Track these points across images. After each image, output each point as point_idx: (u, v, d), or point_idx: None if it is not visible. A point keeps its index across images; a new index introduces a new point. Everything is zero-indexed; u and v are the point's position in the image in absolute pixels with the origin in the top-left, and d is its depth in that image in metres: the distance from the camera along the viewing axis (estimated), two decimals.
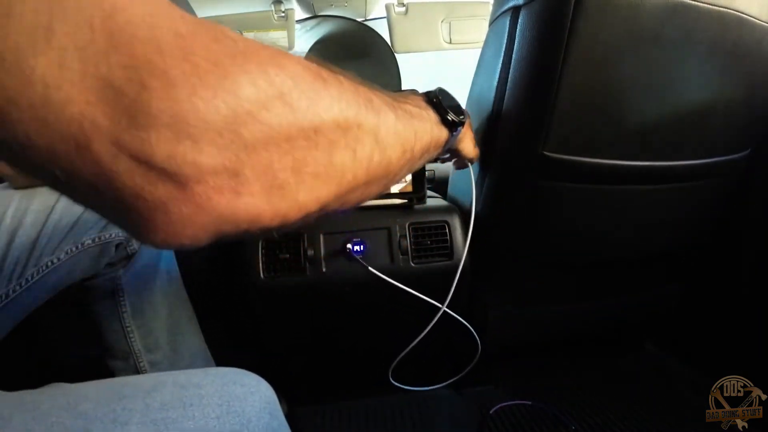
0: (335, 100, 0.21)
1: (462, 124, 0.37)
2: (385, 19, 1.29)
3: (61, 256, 0.47)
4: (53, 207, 0.47)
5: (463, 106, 0.68)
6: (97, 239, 0.50)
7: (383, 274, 0.57)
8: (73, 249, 0.48)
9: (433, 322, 0.60)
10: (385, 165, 0.26)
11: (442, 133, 0.36)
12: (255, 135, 0.17)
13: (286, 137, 0.19)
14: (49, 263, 0.46)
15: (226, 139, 0.16)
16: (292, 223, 0.21)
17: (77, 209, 0.48)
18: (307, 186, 0.20)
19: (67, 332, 0.57)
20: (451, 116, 0.36)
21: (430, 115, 0.35)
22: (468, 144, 0.46)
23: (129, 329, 0.55)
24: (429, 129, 0.33)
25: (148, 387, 0.29)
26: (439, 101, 0.36)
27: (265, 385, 0.33)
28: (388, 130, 0.26)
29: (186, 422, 0.27)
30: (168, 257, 0.61)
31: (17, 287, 0.44)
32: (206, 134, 0.16)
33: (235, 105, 0.16)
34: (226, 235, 0.19)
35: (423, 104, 0.35)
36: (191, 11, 0.58)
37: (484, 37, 0.61)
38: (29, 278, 0.45)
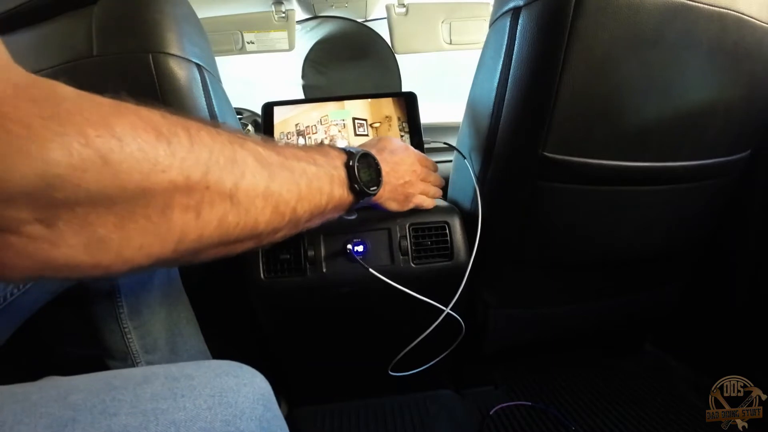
0: (177, 159, 0.21)
1: (371, 194, 0.38)
2: (386, 20, 1.29)
3: None
4: None
5: (463, 106, 0.69)
6: None
7: (384, 274, 0.57)
8: None
9: (437, 323, 0.60)
10: (249, 226, 0.26)
11: (347, 197, 0.36)
12: (68, 195, 0.18)
13: (106, 197, 0.19)
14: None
15: (40, 199, 0.17)
16: (122, 274, 0.22)
17: None
18: (134, 242, 0.21)
19: (66, 332, 0.57)
20: (358, 186, 0.36)
21: (339, 177, 0.35)
22: (393, 204, 0.48)
23: (126, 330, 0.55)
24: (327, 190, 0.33)
25: (139, 379, 0.29)
26: (352, 168, 0.36)
27: (260, 377, 0.32)
28: (253, 191, 0.25)
29: (177, 413, 0.26)
30: None
31: (15, 290, 0.44)
32: (20, 195, 0.17)
33: (43, 170, 0.17)
34: (52, 278, 0.20)
35: (338, 164, 0.35)
36: (191, 11, 0.59)
37: (484, 38, 0.61)
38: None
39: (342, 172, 0.36)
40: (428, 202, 0.54)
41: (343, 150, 0.37)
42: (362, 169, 0.37)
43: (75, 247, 0.20)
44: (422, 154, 0.53)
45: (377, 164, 0.40)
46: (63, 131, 0.18)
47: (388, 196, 0.45)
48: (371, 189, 0.38)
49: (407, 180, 0.48)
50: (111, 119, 0.20)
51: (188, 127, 0.23)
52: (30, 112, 0.17)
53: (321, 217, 0.34)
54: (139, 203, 0.20)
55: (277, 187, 0.27)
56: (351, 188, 0.36)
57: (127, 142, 0.20)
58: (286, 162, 0.29)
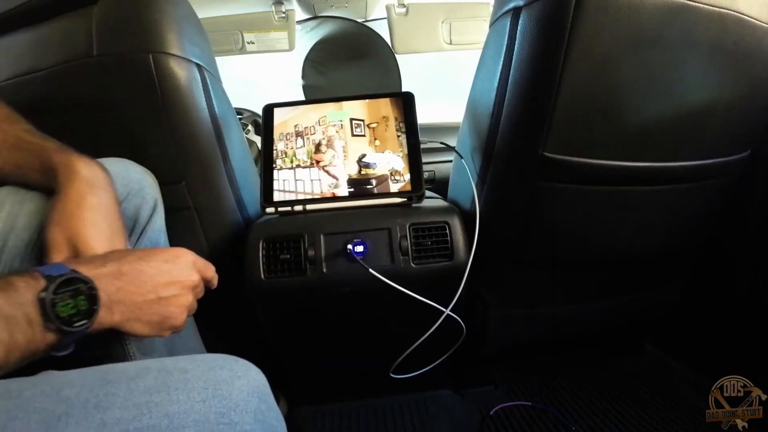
0: None
1: (76, 328, 0.30)
2: (386, 20, 1.29)
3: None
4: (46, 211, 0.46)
5: (464, 106, 0.69)
6: None
7: (384, 275, 0.57)
8: None
9: (436, 325, 0.60)
10: None
11: (43, 338, 0.29)
12: None
13: None
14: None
15: None
16: None
17: None
18: None
19: None
20: (54, 324, 0.29)
21: (26, 316, 0.28)
22: (141, 327, 0.36)
23: None
24: (5, 339, 0.27)
25: (133, 373, 0.29)
26: (45, 300, 0.28)
27: (255, 370, 0.32)
28: None
29: (170, 406, 0.26)
30: None
31: None
32: None
33: None
34: None
35: (28, 298, 0.28)
36: (191, 11, 0.59)
37: (484, 38, 0.61)
38: None
39: (31, 309, 0.28)
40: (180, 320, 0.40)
41: (43, 274, 0.30)
42: (61, 302, 0.29)
43: None
44: (201, 259, 0.42)
45: (91, 287, 0.31)
46: None
47: (126, 318, 0.35)
48: (75, 324, 0.30)
49: (161, 296, 0.37)
50: None
51: None
52: None
53: (17, 361, 0.29)
54: None
55: None
56: (46, 327, 0.29)
57: None
58: None
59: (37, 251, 0.44)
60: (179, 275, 0.38)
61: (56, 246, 0.38)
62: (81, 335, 0.32)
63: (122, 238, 0.42)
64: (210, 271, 0.43)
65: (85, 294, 0.31)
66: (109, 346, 0.55)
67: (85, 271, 0.32)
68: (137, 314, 0.36)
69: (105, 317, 0.33)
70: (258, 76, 1.59)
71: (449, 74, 1.54)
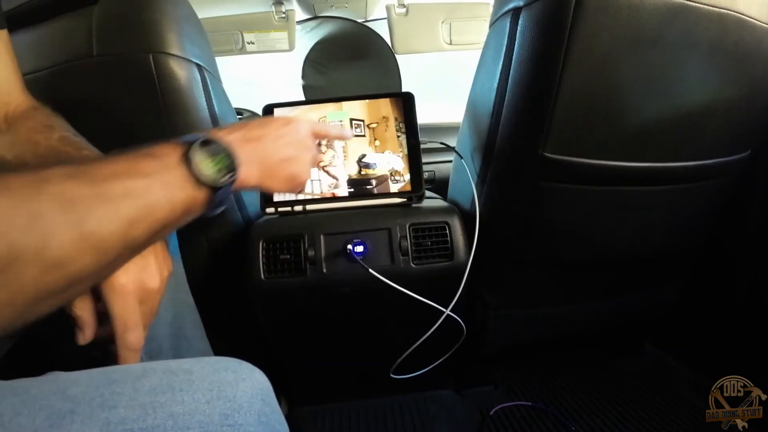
0: None
1: (224, 182, 0.32)
2: (386, 20, 1.29)
3: None
4: None
5: (464, 106, 0.69)
6: None
7: (384, 275, 0.57)
8: None
9: (436, 325, 0.60)
10: (70, 276, 0.25)
11: (197, 195, 0.31)
12: None
13: None
14: None
15: None
16: None
17: None
18: None
19: (71, 335, 0.57)
20: (203, 177, 0.31)
21: (178, 177, 0.30)
22: (275, 183, 0.40)
23: None
24: (166, 199, 0.29)
25: (138, 373, 0.29)
26: (190, 159, 0.31)
27: (259, 373, 0.32)
28: (63, 243, 0.24)
29: (175, 406, 0.27)
30: (176, 260, 0.60)
31: None
32: None
33: None
34: None
35: (173, 161, 0.30)
36: (191, 12, 0.59)
37: (484, 39, 0.61)
38: None
39: (180, 171, 0.30)
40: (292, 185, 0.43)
41: (180, 142, 0.32)
42: (204, 160, 0.31)
43: None
44: (317, 123, 0.46)
45: (226, 147, 0.33)
46: None
47: (264, 176, 0.38)
48: (224, 179, 0.32)
49: (286, 157, 0.40)
50: None
51: None
52: None
53: (170, 227, 0.31)
54: None
55: (95, 226, 0.25)
56: (197, 184, 0.31)
57: None
58: (102, 189, 0.26)
59: None
60: (297, 137, 0.41)
61: None
62: (228, 192, 0.34)
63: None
64: (324, 129, 0.47)
65: (224, 152, 0.33)
66: (112, 347, 0.55)
67: (218, 136, 0.34)
68: (270, 173, 0.39)
69: (246, 175, 0.36)
70: (258, 76, 1.59)
71: (449, 74, 1.54)
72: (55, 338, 0.58)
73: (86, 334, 0.35)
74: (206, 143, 0.32)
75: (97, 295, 0.35)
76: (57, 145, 0.43)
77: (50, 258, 0.23)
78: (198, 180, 0.31)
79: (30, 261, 0.23)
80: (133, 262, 0.34)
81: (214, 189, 0.32)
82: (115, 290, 0.34)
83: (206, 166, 0.31)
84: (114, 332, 0.35)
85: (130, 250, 0.28)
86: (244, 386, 0.30)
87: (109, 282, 0.34)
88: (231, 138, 0.35)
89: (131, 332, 0.35)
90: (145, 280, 0.36)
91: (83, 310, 0.34)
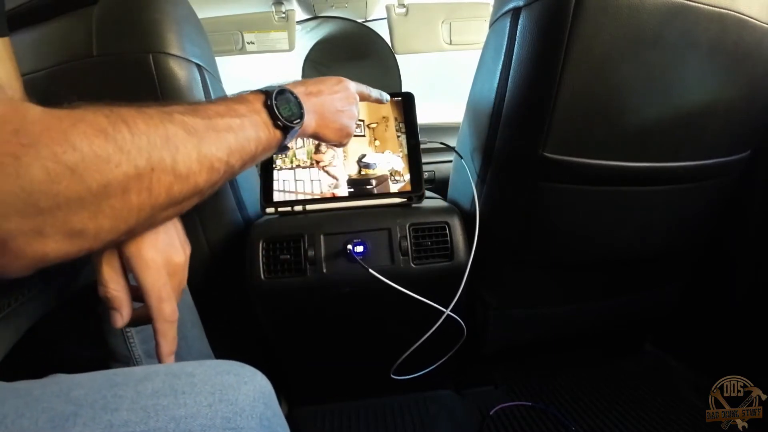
0: (124, 154, 0.26)
1: (295, 127, 0.39)
2: (386, 20, 1.29)
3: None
4: None
5: (464, 106, 0.69)
6: None
7: (384, 275, 0.57)
8: None
9: (436, 325, 0.60)
10: (191, 188, 0.30)
11: (275, 135, 0.38)
12: (49, 203, 0.23)
13: (78, 198, 0.24)
14: (52, 270, 0.46)
15: (27, 210, 0.22)
16: (98, 249, 0.28)
17: None
18: (105, 227, 0.26)
19: (73, 335, 0.57)
20: (281, 121, 0.38)
21: (262, 119, 0.37)
22: (330, 133, 0.47)
23: (128, 334, 0.55)
24: (254, 136, 0.36)
25: (141, 376, 0.29)
26: (271, 106, 0.37)
27: (261, 376, 0.33)
28: (189, 160, 0.30)
29: (177, 409, 0.27)
30: None
31: (20, 296, 0.44)
32: (10, 209, 0.22)
33: (29, 188, 0.22)
34: (47, 265, 0.25)
35: (258, 106, 0.37)
36: (191, 12, 0.59)
37: (484, 39, 0.61)
38: (32, 286, 0.45)
39: (263, 114, 0.37)
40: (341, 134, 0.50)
41: (260, 91, 0.39)
42: (281, 106, 0.38)
43: (61, 241, 0.25)
44: (361, 85, 0.52)
45: (296, 98, 0.40)
46: (39, 154, 0.22)
47: (320, 125, 0.45)
48: (294, 122, 0.39)
49: (340, 109, 0.47)
50: (69, 134, 0.24)
51: (126, 120, 0.27)
52: (14, 143, 0.22)
53: (255, 159, 0.37)
54: (103, 197, 0.25)
55: (208, 150, 0.31)
56: (275, 126, 0.38)
57: (86, 152, 0.24)
58: (212, 123, 0.32)
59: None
60: (347, 93, 0.48)
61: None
62: (296, 133, 0.40)
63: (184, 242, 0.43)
64: (366, 90, 0.53)
65: (294, 102, 0.40)
66: (113, 346, 0.55)
67: (288, 88, 0.41)
68: (326, 122, 0.46)
69: (308, 122, 0.43)
70: (258, 76, 1.59)
71: (449, 74, 1.54)
72: (57, 338, 0.58)
73: (123, 313, 0.36)
74: (282, 93, 0.39)
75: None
76: None
77: (178, 171, 0.29)
78: (275, 123, 0.37)
79: (164, 171, 0.28)
80: (160, 239, 0.37)
81: (285, 131, 0.38)
82: (147, 264, 0.35)
83: (283, 110, 0.38)
84: (148, 307, 0.36)
85: (228, 174, 0.34)
86: (246, 389, 0.30)
87: (140, 257, 0.35)
88: (298, 91, 0.42)
89: (166, 303, 0.37)
90: (172, 254, 0.38)
91: (118, 290, 0.36)
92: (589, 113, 0.50)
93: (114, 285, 0.35)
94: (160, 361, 0.38)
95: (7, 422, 0.24)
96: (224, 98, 0.37)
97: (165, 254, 0.37)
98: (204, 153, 0.31)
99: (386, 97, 0.57)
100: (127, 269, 0.36)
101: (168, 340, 0.37)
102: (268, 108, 0.37)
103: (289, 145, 0.42)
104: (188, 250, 0.41)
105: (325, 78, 0.48)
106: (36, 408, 0.26)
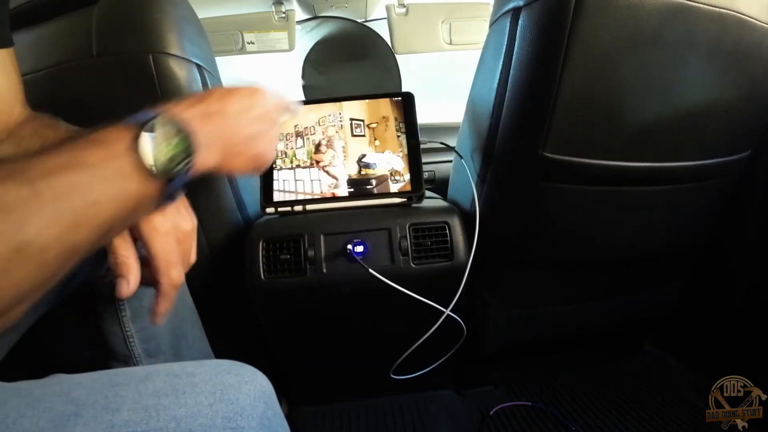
0: None
1: (179, 172, 0.28)
2: (386, 20, 1.29)
3: None
4: None
5: (464, 106, 0.69)
6: None
7: (384, 275, 0.57)
8: None
9: (436, 325, 0.60)
10: (10, 292, 0.22)
11: (150, 187, 0.27)
12: None
13: None
14: None
15: None
16: None
17: None
18: None
19: (72, 335, 0.57)
20: (155, 167, 0.27)
21: (128, 167, 0.26)
22: (239, 164, 0.36)
23: (128, 333, 0.55)
24: (112, 194, 0.25)
25: (142, 376, 0.29)
26: (142, 149, 0.26)
27: (261, 376, 0.33)
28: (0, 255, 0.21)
29: (178, 409, 0.27)
30: None
31: None
32: None
33: None
34: None
35: (121, 149, 0.26)
36: (191, 12, 0.59)
37: (484, 39, 0.61)
38: None
39: (129, 159, 0.26)
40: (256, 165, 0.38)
41: (132, 123, 0.27)
42: (158, 144, 0.27)
43: None
44: (281, 94, 0.41)
45: (182, 129, 0.29)
46: None
47: (225, 158, 0.34)
48: (179, 167, 0.28)
49: (252, 133, 0.35)
50: None
51: None
52: None
53: (118, 228, 0.29)
54: None
55: (33, 235, 0.22)
56: (149, 175, 0.27)
57: None
58: (44, 187, 0.23)
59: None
60: (264, 111, 0.37)
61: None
62: (186, 179, 0.30)
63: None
64: (284, 101, 0.41)
65: (179, 135, 0.29)
66: (113, 345, 0.55)
67: (174, 113, 0.29)
68: (233, 153, 0.35)
69: (205, 158, 0.31)
70: (258, 76, 1.59)
71: (449, 74, 1.54)
72: (56, 339, 0.58)
73: (131, 280, 0.33)
74: (162, 123, 0.28)
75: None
76: (67, 135, 0.42)
77: None
78: (148, 170, 0.27)
79: None
80: (167, 207, 0.33)
81: (168, 179, 0.28)
82: (156, 229, 0.33)
83: (159, 152, 0.27)
84: (156, 271, 0.34)
85: (72, 258, 0.25)
86: (247, 389, 0.30)
87: (149, 222, 0.33)
88: (189, 114, 0.30)
89: (174, 268, 0.35)
90: (180, 222, 0.36)
91: (128, 256, 0.33)
92: (589, 113, 0.50)
93: (123, 251, 0.33)
94: (153, 318, 0.36)
95: (8, 422, 0.25)
96: (78, 139, 0.26)
97: (173, 221, 0.35)
98: (25, 242, 0.21)
99: (299, 108, 0.46)
100: (136, 237, 0.34)
101: (168, 301, 0.36)
102: (137, 150, 0.26)
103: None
104: (195, 220, 0.39)
105: (234, 89, 0.36)
106: (37, 408, 0.26)
